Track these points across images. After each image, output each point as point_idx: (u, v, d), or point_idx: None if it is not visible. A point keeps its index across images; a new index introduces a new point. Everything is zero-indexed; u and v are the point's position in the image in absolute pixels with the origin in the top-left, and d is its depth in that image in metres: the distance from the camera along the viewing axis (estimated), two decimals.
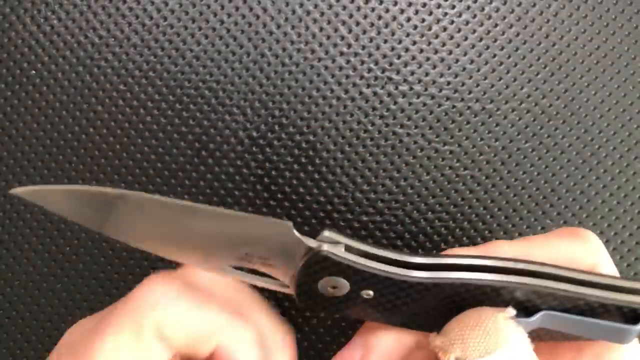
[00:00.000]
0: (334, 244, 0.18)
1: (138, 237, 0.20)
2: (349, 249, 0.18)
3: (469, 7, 0.28)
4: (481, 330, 0.17)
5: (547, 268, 0.18)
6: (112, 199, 0.18)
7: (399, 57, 0.28)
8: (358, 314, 0.19)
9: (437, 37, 0.28)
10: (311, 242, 0.18)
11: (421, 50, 0.28)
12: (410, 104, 0.27)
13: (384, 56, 0.28)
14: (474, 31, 0.28)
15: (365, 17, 0.28)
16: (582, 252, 0.19)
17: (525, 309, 0.18)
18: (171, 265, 0.21)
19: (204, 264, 0.20)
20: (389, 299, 0.18)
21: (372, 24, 0.28)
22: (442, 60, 0.28)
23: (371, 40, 0.28)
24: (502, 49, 0.28)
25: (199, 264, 0.21)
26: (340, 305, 0.19)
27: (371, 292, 0.18)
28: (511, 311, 0.17)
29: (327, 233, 0.19)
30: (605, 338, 0.18)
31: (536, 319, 0.18)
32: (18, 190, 0.19)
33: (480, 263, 0.18)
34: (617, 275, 0.20)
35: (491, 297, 0.18)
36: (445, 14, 0.28)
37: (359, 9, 0.28)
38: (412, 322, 0.19)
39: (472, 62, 0.28)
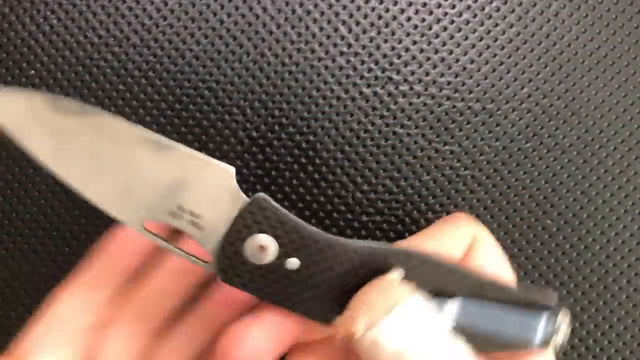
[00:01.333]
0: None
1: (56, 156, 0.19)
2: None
3: (469, 7, 0.28)
4: (378, 292, 0.18)
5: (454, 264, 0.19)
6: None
7: (399, 56, 0.27)
8: (274, 294, 0.19)
9: (437, 36, 0.28)
10: (246, 198, 0.19)
11: (421, 50, 0.27)
12: (410, 103, 0.27)
13: (384, 56, 0.27)
14: (475, 31, 0.28)
15: (366, 16, 0.28)
16: (459, 233, 0.20)
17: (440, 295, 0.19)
18: None
19: (120, 213, 0.19)
20: (312, 272, 0.19)
21: (372, 24, 0.28)
22: (443, 60, 0.27)
23: (371, 39, 0.28)
24: (502, 48, 0.28)
25: (113, 210, 0.19)
26: (261, 278, 0.19)
27: (297, 262, 0.19)
28: (398, 271, 0.18)
29: (262, 194, 0.19)
30: (517, 337, 0.19)
31: (452, 306, 0.19)
32: None
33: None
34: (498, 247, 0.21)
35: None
36: (446, 13, 0.28)
37: (359, 8, 0.28)
38: (316, 307, 0.19)
39: (472, 61, 0.27)
